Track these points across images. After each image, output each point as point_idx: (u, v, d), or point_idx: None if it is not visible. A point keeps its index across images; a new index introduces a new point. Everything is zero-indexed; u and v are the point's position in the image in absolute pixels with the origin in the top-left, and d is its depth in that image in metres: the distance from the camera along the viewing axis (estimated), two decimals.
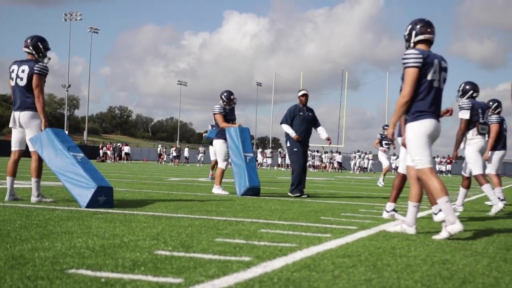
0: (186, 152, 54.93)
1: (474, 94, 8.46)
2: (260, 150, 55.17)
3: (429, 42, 5.46)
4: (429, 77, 5.25)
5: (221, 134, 10.83)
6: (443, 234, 5.06)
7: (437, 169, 51.83)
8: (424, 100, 5.26)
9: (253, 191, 10.15)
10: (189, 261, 3.58)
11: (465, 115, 8.24)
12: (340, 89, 71.30)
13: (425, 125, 5.25)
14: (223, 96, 10.95)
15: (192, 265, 3.46)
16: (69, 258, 3.52)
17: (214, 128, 11.22)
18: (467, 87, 8.50)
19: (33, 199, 7.30)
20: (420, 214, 7.35)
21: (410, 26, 5.52)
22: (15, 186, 7.52)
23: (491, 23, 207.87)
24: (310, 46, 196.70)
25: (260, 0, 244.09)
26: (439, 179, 5.20)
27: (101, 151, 54.15)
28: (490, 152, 10.34)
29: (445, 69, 5.45)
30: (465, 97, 8.46)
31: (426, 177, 5.23)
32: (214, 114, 10.92)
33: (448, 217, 5.05)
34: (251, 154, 10.46)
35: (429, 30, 5.45)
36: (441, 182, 5.17)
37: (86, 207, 6.68)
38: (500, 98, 10.39)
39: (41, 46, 7.42)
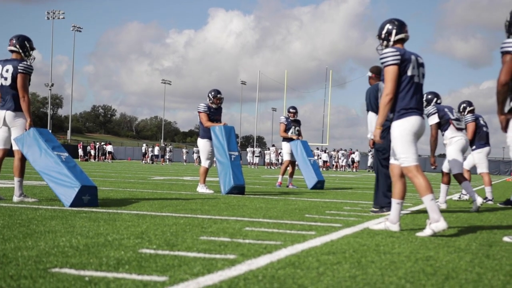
0: (156, 151, 54.46)
1: (438, 101, 8.95)
2: (251, 149, 55.16)
3: (404, 41, 5.57)
4: (409, 72, 5.31)
5: (204, 133, 10.82)
6: (427, 232, 5.10)
7: None
8: (407, 96, 5.31)
9: (238, 189, 10.22)
10: (173, 259, 3.58)
11: (434, 119, 8.60)
12: (325, 87, 71.43)
13: (410, 122, 5.29)
14: (210, 95, 10.94)
15: (177, 263, 3.45)
16: (53, 257, 3.50)
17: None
18: (429, 96, 8.97)
19: (15, 198, 7.24)
20: (404, 212, 7.40)
21: (387, 26, 5.60)
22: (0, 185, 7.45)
23: (476, 21, 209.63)
24: (296, 44, 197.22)
25: None
26: (425, 176, 5.24)
27: (80, 150, 53.75)
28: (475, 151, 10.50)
29: (422, 64, 5.53)
30: (430, 105, 8.88)
31: (412, 175, 5.26)
32: (198, 112, 10.90)
33: (433, 215, 5.09)
34: (236, 153, 10.56)
35: (406, 29, 5.61)
36: (426, 180, 5.21)
37: (70, 206, 6.64)
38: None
39: (28, 45, 7.40)
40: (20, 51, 7.35)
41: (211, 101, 10.91)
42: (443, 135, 8.75)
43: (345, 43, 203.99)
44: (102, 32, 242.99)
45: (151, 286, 2.86)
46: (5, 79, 7.19)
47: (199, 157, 51.38)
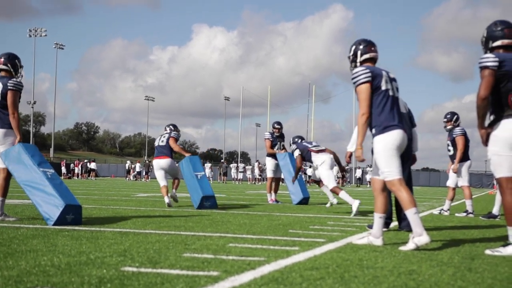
0: (137, 167, 54.19)
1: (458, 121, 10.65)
2: (234, 165, 55.06)
3: (373, 61, 5.70)
4: (383, 87, 5.41)
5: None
6: (410, 246, 5.12)
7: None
8: (385, 111, 5.37)
9: (209, 200, 10.77)
10: (156, 277, 3.56)
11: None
12: (308, 102, 71.75)
13: (393, 136, 5.34)
14: (173, 127, 12.15)
15: (160, 281, 3.43)
16: (34, 277, 3.47)
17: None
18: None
19: None
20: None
21: (354, 47, 5.77)
22: None
23: (458, 35, 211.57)
24: (279, 60, 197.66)
25: (230, 13, 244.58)
26: (408, 190, 5.27)
27: (63, 168, 53.41)
28: (458, 164, 10.55)
29: (394, 79, 5.66)
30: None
31: (395, 188, 5.29)
32: (171, 137, 11.69)
33: (416, 229, 5.11)
34: (202, 172, 11.29)
35: (373, 48, 5.74)
36: (410, 194, 5.24)
37: (53, 225, 6.58)
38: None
39: (18, 64, 7.39)
40: (12, 70, 7.33)
41: (177, 132, 12.11)
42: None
43: (329, 59, 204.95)
44: (86, 49, 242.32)
45: None
46: None
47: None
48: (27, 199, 10.83)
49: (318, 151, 10.74)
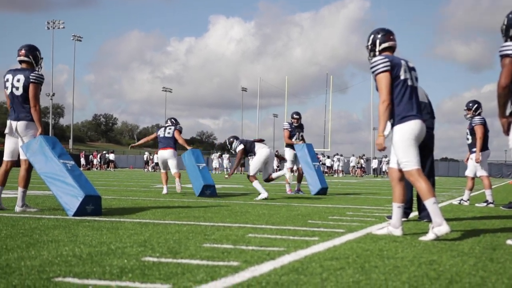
0: (156, 159, 54.16)
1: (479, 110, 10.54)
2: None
3: (392, 50, 5.66)
4: (402, 76, 5.37)
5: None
6: (430, 236, 5.09)
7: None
8: (403, 101, 5.34)
9: (209, 189, 11.64)
10: (176, 267, 3.58)
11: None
12: (325, 93, 71.49)
13: (410, 126, 5.30)
14: (175, 121, 13.01)
15: (180, 271, 3.45)
16: (56, 267, 3.50)
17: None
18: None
19: (17, 208, 7.24)
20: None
21: (372, 36, 5.73)
22: (3, 196, 7.46)
23: (477, 24, 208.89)
24: (296, 50, 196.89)
25: (247, 4, 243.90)
26: (426, 180, 5.24)
27: (82, 159, 53.82)
28: (480, 154, 10.47)
29: (414, 68, 5.63)
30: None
31: (413, 179, 5.26)
32: (176, 130, 12.62)
33: (435, 219, 5.08)
34: (203, 164, 12.21)
35: (391, 37, 5.71)
36: (428, 184, 5.21)
37: (73, 215, 6.64)
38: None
39: (39, 55, 7.45)
40: (33, 61, 7.39)
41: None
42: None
43: (346, 49, 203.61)
44: (103, 41, 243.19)
45: None
46: (17, 88, 7.21)
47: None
48: (48, 190, 10.94)
49: (259, 141, 11.96)
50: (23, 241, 4.58)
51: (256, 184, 11.19)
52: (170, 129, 12.60)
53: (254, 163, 11.48)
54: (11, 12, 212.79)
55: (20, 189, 7.29)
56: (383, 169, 50.67)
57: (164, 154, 12.48)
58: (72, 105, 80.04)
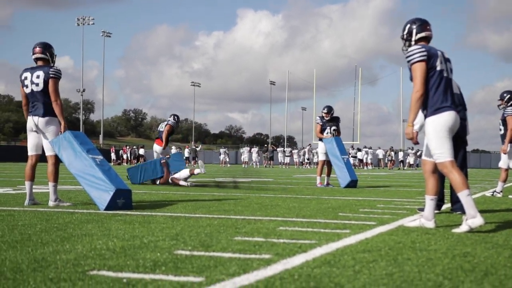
0: (186, 153, 54.45)
1: None
2: (281, 149, 55.05)
3: (428, 40, 5.61)
4: (438, 67, 5.30)
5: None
6: (463, 228, 5.03)
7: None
8: (438, 92, 5.27)
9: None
10: (209, 260, 3.59)
11: None
12: (354, 85, 70.99)
13: (444, 118, 5.24)
14: (175, 118, 14.50)
15: (213, 264, 3.46)
16: (90, 260, 3.54)
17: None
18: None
19: (51, 203, 7.35)
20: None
21: (408, 26, 5.68)
22: (34, 190, 7.58)
23: (510, 12, 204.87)
24: (325, 43, 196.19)
25: None
26: (460, 172, 5.17)
27: (112, 154, 54.39)
28: (509, 145, 10.31)
29: (449, 60, 5.58)
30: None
31: (447, 170, 5.20)
32: (167, 124, 14.13)
33: (469, 211, 5.02)
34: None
35: (428, 27, 5.65)
36: (462, 176, 5.14)
37: (105, 209, 6.71)
38: None
39: (53, 52, 7.58)
40: (50, 58, 7.52)
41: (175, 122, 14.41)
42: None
43: (375, 40, 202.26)
44: (131, 36, 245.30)
45: (188, 286, 2.88)
46: (37, 85, 7.32)
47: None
48: (80, 185, 11.07)
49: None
50: (57, 235, 4.65)
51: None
52: (162, 125, 14.36)
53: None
54: (42, 9, 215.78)
55: (50, 184, 7.39)
56: (410, 162, 50.20)
57: (156, 147, 14.20)
58: (102, 101, 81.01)
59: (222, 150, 56.82)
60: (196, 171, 13.19)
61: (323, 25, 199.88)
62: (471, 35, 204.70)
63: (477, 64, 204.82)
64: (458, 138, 6.58)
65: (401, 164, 51.74)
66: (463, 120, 6.99)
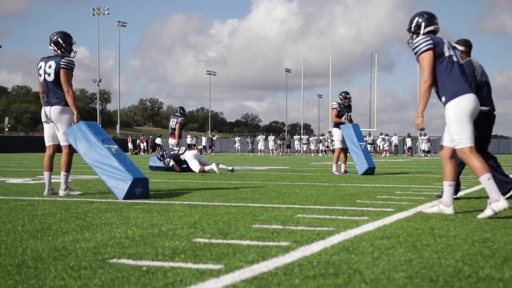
0: (203, 142, 54.67)
1: None
2: (298, 137, 55.01)
3: (435, 34, 5.61)
4: (446, 53, 5.32)
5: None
6: (487, 212, 4.99)
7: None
8: (453, 76, 5.25)
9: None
10: (227, 247, 3.61)
11: None
12: (370, 72, 70.55)
13: (465, 101, 5.19)
14: (181, 111, 15.45)
15: (231, 251, 3.48)
16: (110, 248, 3.57)
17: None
18: None
19: (61, 192, 7.40)
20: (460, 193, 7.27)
21: (417, 19, 5.71)
22: (52, 180, 7.64)
23: None
24: (340, 29, 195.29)
25: None
26: (479, 157, 5.12)
27: (129, 144, 54.66)
28: None
29: (455, 48, 5.56)
30: None
31: (465, 157, 5.15)
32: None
33: (492, 195, 4.98)
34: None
35: (436, 21, 5.65)
36: (481, 161, 5.09)
37: (123, 199, 6.75)
38: None
39: (61, 42, 7.52)
40: (55, 48, 7.51)
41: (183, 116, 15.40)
42: None
43: (391, 25, 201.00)
44: (147, 25, 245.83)
45: (207, 274, 2.89)
46: (49, 74, 7.37)
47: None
48: (97, 175, 11.14)
49: None
50: (77, 224, 4.69)
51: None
52: (173, 121, 15.26)
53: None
54: (58, 0, 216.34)
55: (62, 173, 7.44)
56: (423, 148, 49.85)
57: (171, 141, 15.17)
58: (119, 91, 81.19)
59: (237, 139, 56.88)
60: (207, 168, 13.61)
61: (338, 11, 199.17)
62: (488, 18, 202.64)
63: (495, 47, 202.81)
64: (487, 130, 6.56)
65: (409, 150, 51.34)
66: (492, 110, 6.76)
